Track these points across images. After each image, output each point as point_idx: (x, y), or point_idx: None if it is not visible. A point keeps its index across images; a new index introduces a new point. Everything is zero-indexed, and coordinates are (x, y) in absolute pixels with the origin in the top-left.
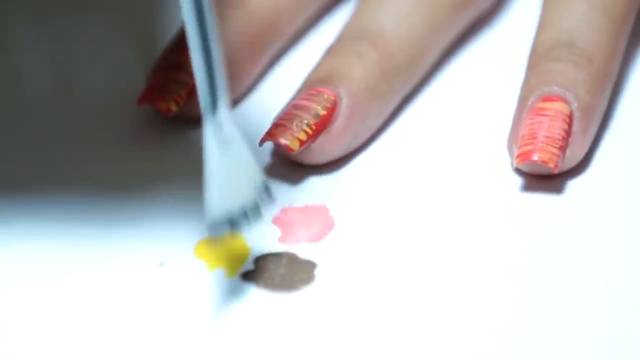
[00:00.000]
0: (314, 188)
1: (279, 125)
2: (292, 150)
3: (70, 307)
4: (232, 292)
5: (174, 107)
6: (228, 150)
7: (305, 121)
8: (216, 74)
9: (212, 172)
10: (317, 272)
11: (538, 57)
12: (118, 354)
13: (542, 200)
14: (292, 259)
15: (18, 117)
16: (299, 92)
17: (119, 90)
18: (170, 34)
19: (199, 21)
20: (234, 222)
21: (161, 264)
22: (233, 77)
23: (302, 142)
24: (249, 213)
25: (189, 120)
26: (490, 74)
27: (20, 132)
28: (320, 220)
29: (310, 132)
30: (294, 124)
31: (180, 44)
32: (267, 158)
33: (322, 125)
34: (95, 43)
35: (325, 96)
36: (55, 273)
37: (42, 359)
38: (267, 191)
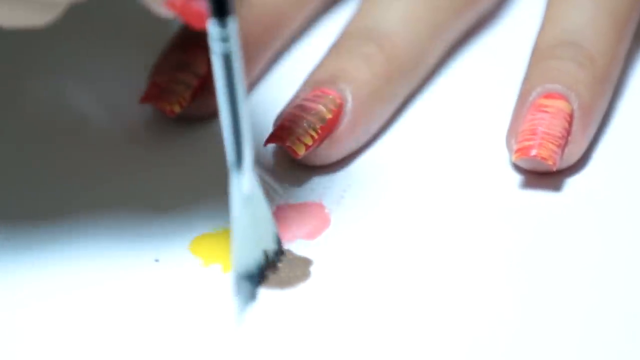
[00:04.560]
0: (310, 185)
1: (284, 128)
2: (298, 154)
3: (66, 303)
4: (227, 289)
5: (177, 109)
6: (250, 205)
7: (312, 125)
8: (243, 132)
9: (235, 225)
10: (312, 269)
11: (541, 54)
12: (114, 350)
13: (540, 197)
14: (287, 256)
15: (16, 115)
16: (303, 90)
17: (119, 85)
18: (172, 29)
19: (228, 82)
20: (255, 275)
21: (157, 260)
22: None
23: (307, 147)
24: (266, 264)
25: (189, 119)
26: (487, 73)
27: (19, 128)
28: (316, 218)
29: (316, 136)
30: (300, 127)
31: (184, 41)
32: (264, 155)
33: (327, 130)
34: (95, 40)
35: (331, 97)
36: (51, 270)
37: (38, 355)
38: (279, 248)
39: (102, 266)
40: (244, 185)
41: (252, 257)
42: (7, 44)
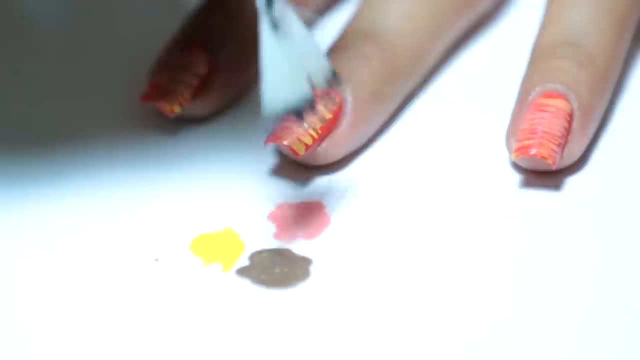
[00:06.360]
0: (311, 185)
1: (284, 127)
2: (298, 154)
3: (65, 303)
4: (227, 288)
5: (177, 109)
6: (285, 40)
7: (312, 124)
8: None
9: (266, 61)
10: (312, 268)
11: (541, 54)
12: (113, 349)
13: (540, 196)
14: (287, 255)
15: (17, 116)
16: None
17: (120, 84)
18: (172, 29)
19: None
20: (295, 110)
21: (156, 260)
22: (232, 80)
23: (308, 146)
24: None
25: (189, 119)
26: (487, 72)
27: (19, 129)
28: (316, 217)
29: (316, 136)
30: (300, 127)
31: (183, 41)
32: (264, 155)
33: (327, 129)
34: (95, 40)
35: (331, 97)
36: (50, 269)
37: (37, 356)
38: (334, 79)
39: (101, 266)
40: (277, 16)
41: (288, 94)
42: (7, 42)
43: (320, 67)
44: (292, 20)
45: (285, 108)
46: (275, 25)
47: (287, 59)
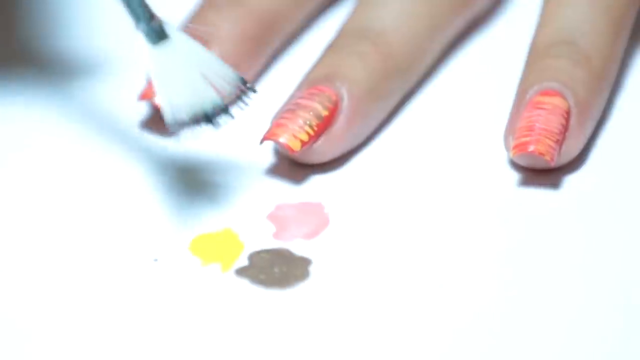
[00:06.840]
0: (310, 185)
1: (280, 125)
2: (293, 150)
3: (65, 303)
4: (226, 288)
5: None
6: (172, 52)
7: (308, 121)
8: None
9: (155, 74)
10: (311, 268)
11: (537, 54)
12: (113, 349)
13: (538, 195)
14: (286, 255)
15: (15, 114)
16: (299, 88)
17: (119, 85)
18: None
19: None
20: (205, 115)
21: (155, 260)
22: None
23: (304, 143)
24: (219, 108)
25: None
26: (486, 72)
27: (18, 127)
28: (315, 217)
29: (312, 132)
30: (296, 124)
31: None
32: (263, 155)
33: (323, 126)
34: (95, 39)
35: (327, 95)
36: (50, 269)
37: (36, 353)
38: (244, 85)
39: (101, 265)
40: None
41: (191, 101)
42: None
43: (223, 75)
44: (176, 35)
45: (192, 115)
46: (155, 39)
47: (179, 69)
